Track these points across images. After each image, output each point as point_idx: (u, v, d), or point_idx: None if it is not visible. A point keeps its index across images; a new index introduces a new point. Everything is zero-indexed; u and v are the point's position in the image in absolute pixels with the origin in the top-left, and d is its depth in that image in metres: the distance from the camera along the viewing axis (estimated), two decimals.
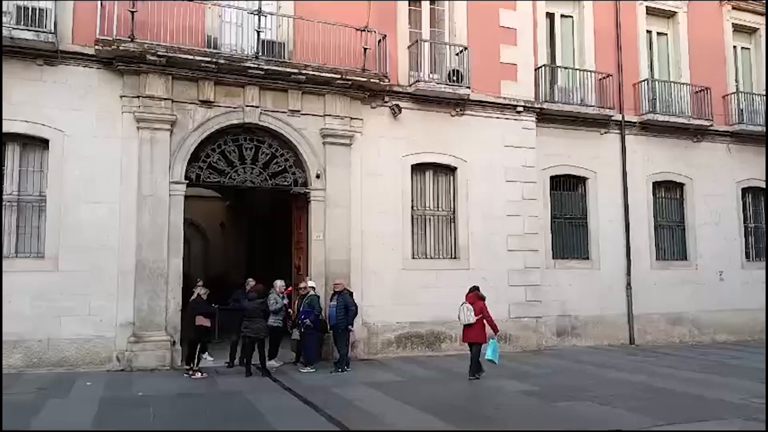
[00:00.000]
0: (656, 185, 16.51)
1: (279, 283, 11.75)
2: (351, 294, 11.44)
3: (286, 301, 11.73)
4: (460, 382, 10.26)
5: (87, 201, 11.05)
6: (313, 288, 11.63)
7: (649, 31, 16.94)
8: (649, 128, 16.25)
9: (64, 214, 10.94)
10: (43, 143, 11.07)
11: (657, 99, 16.30)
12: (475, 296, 10.68)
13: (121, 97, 11.41)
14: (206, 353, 11.81)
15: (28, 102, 10.87)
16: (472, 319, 10.35)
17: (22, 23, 10.62)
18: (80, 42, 11.16)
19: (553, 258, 14.97)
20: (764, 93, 17.30)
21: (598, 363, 12.45)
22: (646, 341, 15.58)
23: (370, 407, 8.29)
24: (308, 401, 8.48)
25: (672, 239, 16.69)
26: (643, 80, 16.35)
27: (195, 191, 19.56)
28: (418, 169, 13.70)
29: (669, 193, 16.86)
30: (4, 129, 10.78)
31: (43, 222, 10.98)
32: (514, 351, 13.59)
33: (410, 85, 13.43)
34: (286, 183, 12.72)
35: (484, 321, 10.45)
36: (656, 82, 16.54)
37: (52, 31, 10.77)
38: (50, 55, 10.95)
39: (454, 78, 13.55)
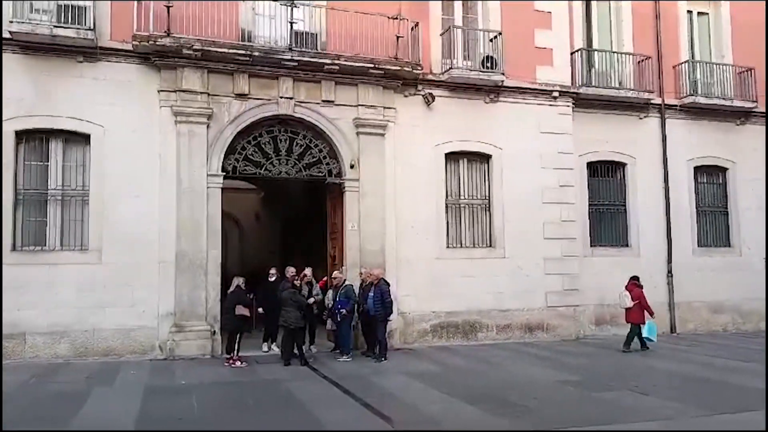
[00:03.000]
0: (698, 170, 16.09)
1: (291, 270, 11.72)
2: (387, 284, 11.46)
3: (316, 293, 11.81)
4: (496, 371, 10.22)
5: (128, 194, 11.31)
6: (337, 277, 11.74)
7: (689, 11, 16.43)
8: (690, 111, 15.80)
9: (106, 208, 11.22)
10: (85, 138, 11.34)
11: (698, 81, 15.84)
12: (633, 284, 12.53)
13: (159, 91, 11.61)
14: (274, 343, 11.96)
15: (70, 98, 11.15)
16: (630, 303, 12.28)
17: (63, 21, 10.86)
18: (118, 38, 11.37)
19: (591, 246, 14.75)
20: None
21: (638, 352, 12.24)
22: (688, 330, 15.26)
23: (408, 396, 8.32)
24: (347, 390, 8.55)
25: (714, 225, 16.27)
26: (684, 62, 15.91)
27: (230, 183, 19.79)
28: (453, 157, 13.61)
29: (711, 177, 16.41)
30: (48, 125, 11.14)
31: (87, 215, 11.27)
32: (552, 340, 13.48)
33: (443, 73, 13.32)
34: (320, 174, 12.79)
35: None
36: (697, 64, 16.07)
37: (91, 28, 11.01)
38: (90, 52, 11.20)
39: (488, 64, 13.38)
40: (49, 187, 11.22)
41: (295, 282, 11.37)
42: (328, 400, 8.09)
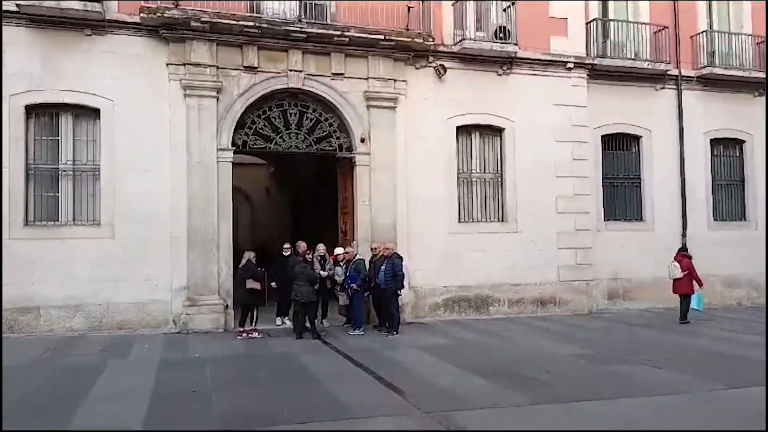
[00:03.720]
0: (714, 142, 15.83)
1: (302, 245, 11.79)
2: (401, 258, 11.39)
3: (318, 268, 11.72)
4: (508, 345, 10.19)
5: (138, 169, 11.29)
6: (345, 253, 11.68)
7: None
8: (707, 83, 15.47)
9: (117, 183, 11.22)
10: (95, 112, 11.29)
11: (716, 51, 15.46)
12: (682, 256, 12.75)
13: (168, 65, 11.51)
14: (287, 317, 11.96)
15: (79, 72, 11.09)
16: (679, 274, 12.45)
17: None
18: (126, 11, 11.27)
19: (604, 220, 14.64)
20: None
21: (652, 326, 12.21)
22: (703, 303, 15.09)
23: (420, 370, 8.32)
24: (359, 363, 8.55)
25: (730, 198, 16.06)
26: (701, 32, 15.52)
27: (239, 158, 19.65)
28: (464, 130, 13.46)
29: (728, 150, 16.14)
30: (58, 100, 11.07)
31: (98, 190, 11.27)
32: (564, 314, 13.44)
33: (455, 44, 13.08)
34: (330, 148, 12.68)
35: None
36: (715, 34, 15.65)
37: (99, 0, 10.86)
38: (98, 25, 11.10)
39: (501, 35, 13.15)
40: (60, 162, 11.20)
41: (307, 256, 11.37)
42: (341, 374, 8.11)
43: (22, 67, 10.78)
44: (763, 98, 15.91)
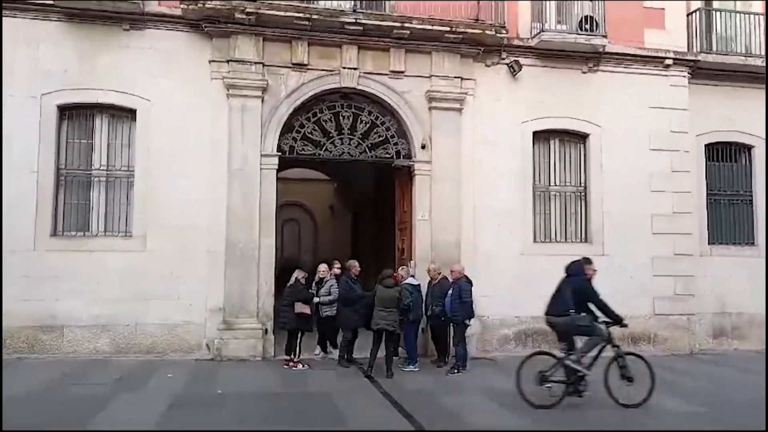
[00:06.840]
0: None
1: (322, 267, 10.53)
2: (470, 283, 9.72)
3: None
4: (598, 393, 8.26)
5: (175, 175, 10.23)
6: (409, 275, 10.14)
7: None
8: None
9: (152, 190, 10.19)
10: (131, 114, 10.36)
11: None
12: None
13: (210, 62, 10.46)
14: (330, 346, 10.71)
15: (115, 70, 10.18)
16: None
17: None
18: (166, 3, 10.31)
19: (709, 243, 12.43)
20: None
21: None
22: None
23: (488, 426, 6.58)
24: (408, 413, 6.90)
25: None
26: None
27: (303, 173, 18.66)
28: (542, 136, 11.72)
29: None
30: (93, 99, 10.22)
31: (132, 198, 10.29)
32: (661, 354, 11.26)
33: (532, 38, 11.42)
34: (387, 155, 11.26)
35: None
36: None
37: None
38: (136, 19, 10.20)
39: (586, 26, 11.38)
40: (93, 167, 10.32)
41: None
42: (381, 425, 6.52)
43: (56, 64, 9.98)
44: None
